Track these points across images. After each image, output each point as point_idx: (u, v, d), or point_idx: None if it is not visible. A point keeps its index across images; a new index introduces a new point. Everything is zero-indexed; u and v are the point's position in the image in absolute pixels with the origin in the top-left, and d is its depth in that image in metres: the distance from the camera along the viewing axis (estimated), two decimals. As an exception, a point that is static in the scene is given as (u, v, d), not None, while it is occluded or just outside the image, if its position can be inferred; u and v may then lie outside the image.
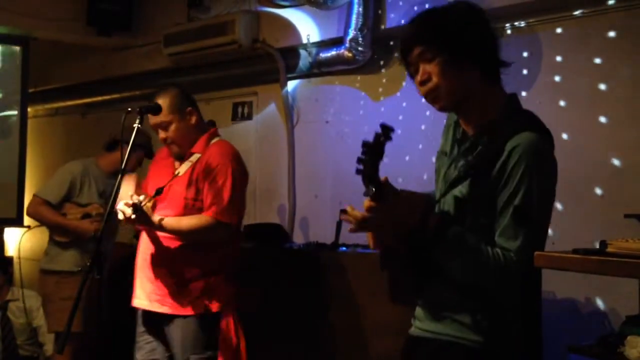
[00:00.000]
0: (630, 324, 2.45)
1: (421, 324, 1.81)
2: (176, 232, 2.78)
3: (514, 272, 1.64)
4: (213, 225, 2.78)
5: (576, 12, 3.05)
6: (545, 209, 1.68)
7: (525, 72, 3.20)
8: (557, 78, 3.12)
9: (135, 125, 2.64)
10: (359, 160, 1.56)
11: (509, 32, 3.25)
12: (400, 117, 3.76)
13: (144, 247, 2.87)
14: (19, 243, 4.34)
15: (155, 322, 2.87)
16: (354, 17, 3.70)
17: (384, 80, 3.88)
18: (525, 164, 1.61)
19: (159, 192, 2.67)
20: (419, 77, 1.71)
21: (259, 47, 4.27)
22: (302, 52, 4.05)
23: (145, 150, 3.85)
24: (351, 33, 3.71)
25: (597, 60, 2.99)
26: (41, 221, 3.93)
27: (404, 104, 3.75)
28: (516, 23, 3.23)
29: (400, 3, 3.69)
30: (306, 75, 4.16)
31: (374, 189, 1.58)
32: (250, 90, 4.56)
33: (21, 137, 5.26)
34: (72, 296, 3.71)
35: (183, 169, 2.83)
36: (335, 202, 3.90)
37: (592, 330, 2.73)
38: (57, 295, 3.84)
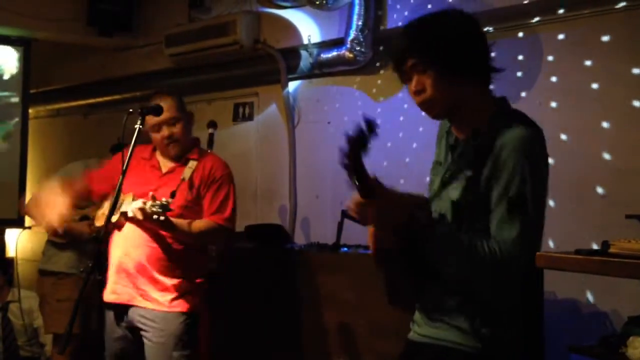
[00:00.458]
0: (632, 324, 2.45)
1: (420, 329, 1.81)
2: (186, 234, 2.81)
3: (511, 264, 1.61)
4: (218, 230, 2.87)
5: (574, 13, 3.05)
6: (540, 200, 1.66)
7: (525, 73, 3.20)
8: (557, 79, 3.12)
9: (137, 126, 2.64)
10: (343, 155, 1.59)
11: (508, 32, 3.25)
12: (401, 118, 3.76)
13: (127, 243, 2.84)
14: (17, 243, 4.33)
15: (130, 318, 2.85)
16: (354, 17, 3.70)
17: (384, 81, 3.88)
18: (517, 157, 1.61)
19: (173, 195, 2.71)
20: (412, 87, 1.73)
21: (260, 47, 4.28)
22: (303, 52, 4.05)
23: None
24: (352, 34, 3.71)
25: (597, 62, 2.99)
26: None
27: (405, 105, 3.75)
28: (516, 24, 3.23)
29: (401, 4, 3.69)
30: (307, 76, 4.16)
31: (357, 183, 1.59)
32: (252, 91, 4.56)
33: (22, 138, 5.27)
34: (69, 297, 3.77)
35: (187, 174, 2.86)
36: (336, 202, 3.90)
37: (594, 331, 2.73)
38: (53, 296, 3.84)
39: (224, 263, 3.50)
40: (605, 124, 2.96)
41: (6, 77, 5.27)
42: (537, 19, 3.16)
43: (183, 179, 2.84)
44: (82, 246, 3.83)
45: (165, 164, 2.95)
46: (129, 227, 2.83)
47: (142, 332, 2.83)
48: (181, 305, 2.83)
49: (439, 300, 1.74)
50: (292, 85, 4.27)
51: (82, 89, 5.74)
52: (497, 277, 1.65)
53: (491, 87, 1.77)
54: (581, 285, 2.92)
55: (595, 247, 2.38)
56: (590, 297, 2.92)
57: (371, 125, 1.56)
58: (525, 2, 3.14)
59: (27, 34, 5.15)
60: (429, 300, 1.78)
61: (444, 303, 1.72)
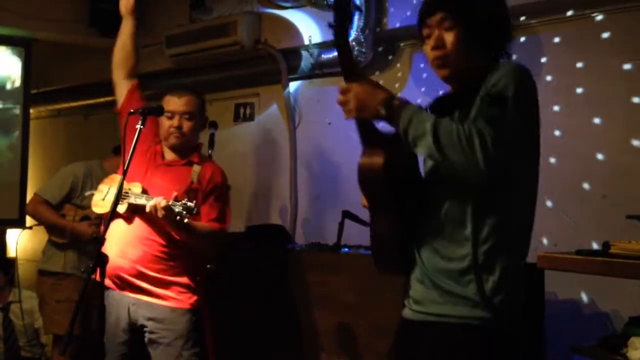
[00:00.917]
0: (633, 325, 2.45)
1: (419, 307, 1.76)
2: (194, 236, 2.83)
3: (481, 147, 1.54)
4: (220, 234, 2.94)
5: (569, 14, 3.06)
6: (523, 108, 1.64)
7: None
8: (556, 79, 3.12)
9: (138, 127, 2.63)
10: (330, 26, 1.66)
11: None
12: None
13: (123, 241, 2.80)
14: (17, 244, 4.33)
15: (133, 318, 2.83)
16: (355, 18, 3.71)
17: (386, 81, 3.87)
18: (503, 72, 1.65)
19: (190, 198, 2.73)
20: (432, 42, 1.76)
21: (261, 48, 4.28)
22: (304, 53, 4.05)
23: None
24: (353, 34, 3.71)
25: (597, 62, 3.00)
26: (39, 220, 3.93)
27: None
28: (515, 24, 3.23)
29: (402, 4, 3.70)
30: (308, 76, 4.17)
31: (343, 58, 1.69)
32: (252, 91, 4.57)
33: (23, 138, 5.27)
34: (68, 298, 3.78)
35: (194, 177, 2.90)
36: (337, 202, 3.89)
37: (594, 331, 2.73)
38: (52, 297, 3.84)
39: (223, 263, 3.50)
40: (604, 125, 2.96)
41: (9, 87, 5.28)
42: (535, 20, 3.17)
43: (192, 182, 2.88)
44: (83, 246, 3.84)
45: (167, 157, 2.97)
46: (130, 223, 2.82)
47: (149, 335, 2.82)
48: (184, 302, 2.84)
49: (440, 265, 1.69)
50: (293, 86, 4.27)
51: (83, 89, 5.74)
52: (467, 157, 1.56)
53: None
54: (582, 285, 2.92)
55: (595, 246, 2.39)
56: (590, 297, 2.92)
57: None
58: (524, 2, 3.14)
59: (28, 34, 5.15)
60: (428, 266, 1.73)
61: (446, 268, 1.68)
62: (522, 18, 3.19)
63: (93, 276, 2.36)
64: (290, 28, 4.19)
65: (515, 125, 1.61)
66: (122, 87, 3.17)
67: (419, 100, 3.62)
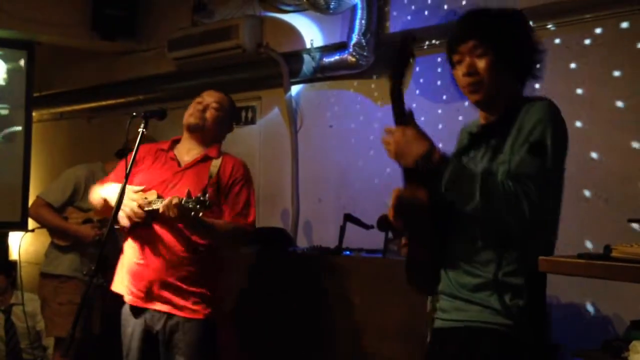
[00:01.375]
0: (634, 328, 2.45)
1: (447, 315, 1.84)
2: (215, 235, 2.75)
3: (528, 202, 1.64)
4: (244, 231, 2.84)
5: (550, 25, 3.09)
6: (560, 150, 1.74)
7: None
8: (553, 84, 3.13)
9: (140, 130, 2.63)
10: (391, 70, 1.71)
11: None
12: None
13: (144, 250, 2.76)
14: (19, 246, 4.34)
15: (149, 324, 2.79)
16: (357, 22, 3.71)
17: (387, 85, 3.88)
18: (539, 115, 1.72)
19: (205, 192, 2.58)
20: (464, 68, 1.82)
21: (263, 51, 4.29)
22: (306, 56, 4.06)
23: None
24: (355, 38, 3.72)
25: (596, 67, 3.01)
26: (42, 223, 3.94)
27: (407, 109, 3.75)
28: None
29: (405, 8, 3.70)
30: (310, 79, 4.17)
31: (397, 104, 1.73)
32: (254, 95, 4.58)
33: (26, 141, 5.28)
34: (70, 301, 3.79)
35: (214, 171, 2.81)
36: (338, 206, 3.90)
37: (596, 335, 2.73)
38: (54, 299, 3.84)
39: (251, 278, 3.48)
40: (605, 130, 2.96)
41: (10, 80, 5.29)
42: (543, 22, 3.17)
43: (211, 176, 2.78)
44: (85, 249, 3.85)
45: (182, 158, 2.86)
46: (148, 231, 2.74)
47: (163, 344, 2.77)
48: (199, 313, 2.75)
49: (466, 279, 1.78)
50: (295, 89, 4.27)
51: (86, 92, 5.76)
52: (513, 214, 1.65)
53: None
54: (583, 289, 2.92)
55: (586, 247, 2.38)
56: (592, 301, 2.92)
57: (411, 37, 1.70)
58: (528, 5, 3.14)
59: (30, 37, 5.17)
60: (454, 280, 1.81)
61: (470, 280, 1.77)
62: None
63: (105, 283, 2.34)
64: (292, 32, 4.20)
65: (555, 173, 1.74)
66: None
67: (415, 105, 3.67)
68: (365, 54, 3.74)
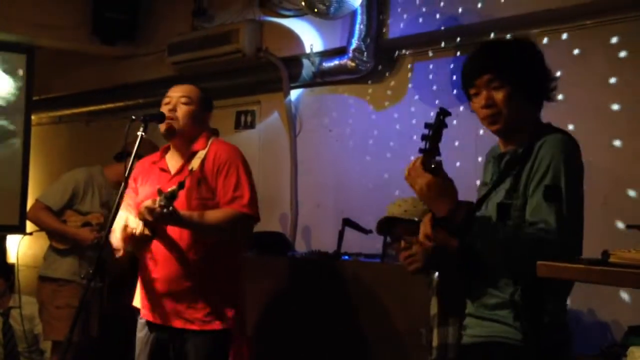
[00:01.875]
0: (632, 334, 2.45)
1: (472, 331, 1.93)
2: (203, 227, 2.65)
3: (554, 246, 1.70)
4: (240, 217, 2.69)
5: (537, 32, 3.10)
6: (576, 191, 1.80)
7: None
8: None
9: (139, 133, 2.62)
10: (423, 138, 1.73)
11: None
12: (397, 127, 3.78)
13: (155, 265, 2.73)
14: (18, 249, 4.34)
15: (161, 337, 2.76)
16: (357, 27, 3.72)
17: (386, 90, 3.89)
18: (553, 153, 1.78)
19: (181, 185, 2.47)
20: (483, 101, 1.88)
21: (263, 56, 4.29)
22: (305, 61, 4.06)
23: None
24: (354, 43, 3.73)
25: (597, 75, 3.02)
26: (40, 226, 3.94)
27: (407, 113, 3.76)
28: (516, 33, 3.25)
29: (404, 14, 3.71)
30: (309, 84, 4.18)
31: (433, 166, 1.73)
32: (254, 99, 4.58)
33: (24, 144, 5.28)
34: (68, 304, 3.78)
35: (195, 163, 2.69)
36: (337, 211, 3.90)
37: (594, 341, 2.73)
38: (52, 303, 3.84)
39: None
40: (606, 135, 2.97)
41: (9, 83, 5.29)
42: (537, 29, 3.18)
43: (191, 170, 2.67)
44: (84, 252, 3.85)
45: (173, 165, 2.80)
46: (156, 246, 2.70)
47: (173, 354, 2.74)
48: (209, 325, 2.69)
49: (487, 300, 1.86)
50: (294, 94, 4.28)
51: (85, 96, 5.76)
52: (545, 258, 1.68)
53: None
54: (581, 294, 2.91)
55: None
56: (590, 307, 2.92)
57: (446, 114, 1.73)
58: (524, 12, 3.16)
59: (30, 41, 5.17)
60: (477, 302, 1.90)
61: (490, 301, 1.85)
62: (528, 28, 3.21)
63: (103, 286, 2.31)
64: (291, 36, 4.20)
65: (573, 215, 1.78)
66: None
67: (413, 110, 3.68)
68: (364, 59, 3.75)
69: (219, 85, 4.62)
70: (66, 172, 4.07)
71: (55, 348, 3.97)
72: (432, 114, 1.78)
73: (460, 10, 3.41)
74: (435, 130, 1.71)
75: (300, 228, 4.19)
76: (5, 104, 5.26)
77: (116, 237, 2.69)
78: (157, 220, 2.54)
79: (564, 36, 3.15)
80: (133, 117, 2.67)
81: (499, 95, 1.86)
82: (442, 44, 3.59)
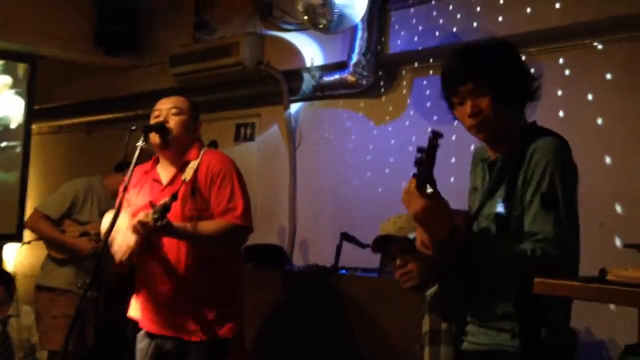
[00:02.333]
0: (629, 353, 2.44)
1: (474, 338, 1.93)
2: (197, 239, 2.64)
3: (556, 259, 1.70)
4: (233, 229, 2.68)
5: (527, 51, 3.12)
6: (571, 197, 1.80)
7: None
8: (558, 109, 3.15)
9: (139, 144, 2.63)
10: (416, 162, 1.70)
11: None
12: (396, 142, 3.79)
13: (153, 278, 2.74)
14: (15, 258, 4.34)
15: (159, 344, 2.76)
16: (357, 41, 3.74)
17: (386, 105, 3.91)
18: (547, 160, 1.77)
19: (174, 197, 2.48)
20: (468, 110, 1.87)
21: (263, 69, 4.31)
22: (306, 75, 4.08)
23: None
24: (355, 57, 3.75)
25: (597, 94, 3.03)
26: (39, 235, 3.94)
27: (406, 129, 3.77)
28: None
29: (404, 29, 3.73)
30: (309, 98, 4.19)
31: (430, 191, 1.70)
32: (254, 112, 4.60)
33: (24, 153, 5.29)
34: (64, 314, 3.77)
35: (188, 174, 2.66)
36: (335, 224, 3.90)
37: (590, 359, 2.72)
38: (48, 312, 3.83)
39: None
40: (604, 153, 2.98)
41: (13, 126, 5.31)
42: (534, 48, 3.20)
43: (184, 180, 2.64)
44: (81, 262, 3.84)
45: (166, 176, 2.78)
46: (152, 258, 2.70)
47: None
48: (205, 335, 2.68)
49: (489, 309, 1.87)
50: (294, 107, 4.29)
51: (86, 106, 5.77)
52: (547, 271, 1.69)
53: None
54: (578, 313, 2.90)
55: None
56: (586, 325, 2.91)
57: (438, 137, 1.70)
58: (521, 31, 3.18)
59: (33, 50, 5.20)
60: (480, 311, 1.90)
61: (492, 310, 1.86)
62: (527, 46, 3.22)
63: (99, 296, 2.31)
64: (292, 50, 4.23)
65: (570, 222, 1.79)
66: None
67: (412, 125, 3.69)
68: (365, 73, 3.76)
69: (219, 98, 4.64)
70: (66, 182, 4.07)
71: (51, 358, 3.95)
72: (428, 129, 1.77)
73: (455, 29, 3.45)
74: (428, 154, 1.70)
75: (298, 241, 4.18)
76: (6, 112, 5.28)
77: (118, 243, 2.68)
78: (151, 234, 2.55)
79: (561, 56, 3.17)
80: (133, 127, 2.68)
81: (484, 103, 1.85)
82: (440, 60, 3.62)
